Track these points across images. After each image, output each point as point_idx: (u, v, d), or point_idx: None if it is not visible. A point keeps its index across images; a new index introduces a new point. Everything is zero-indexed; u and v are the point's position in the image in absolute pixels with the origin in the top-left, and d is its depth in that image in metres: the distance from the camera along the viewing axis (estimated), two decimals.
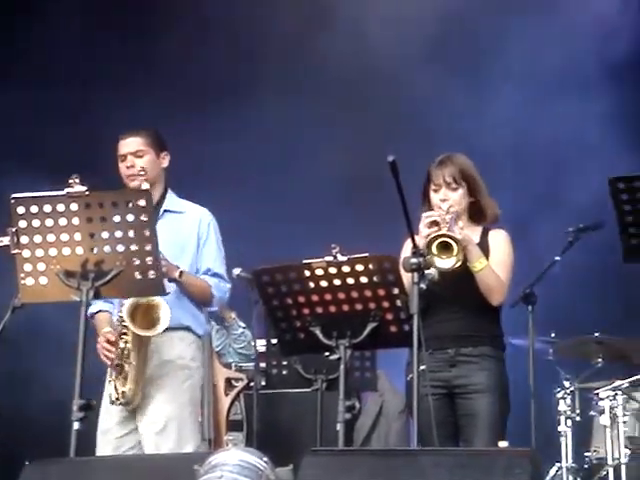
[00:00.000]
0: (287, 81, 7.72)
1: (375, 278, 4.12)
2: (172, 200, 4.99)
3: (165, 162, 4.97)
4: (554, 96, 7.36)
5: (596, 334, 6.05)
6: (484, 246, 4.72)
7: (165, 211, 4.94)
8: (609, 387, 5.85)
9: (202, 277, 4.89)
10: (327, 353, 4.26)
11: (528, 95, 7.34)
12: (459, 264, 4.46)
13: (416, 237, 4.36)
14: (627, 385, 5.85)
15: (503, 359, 4.73)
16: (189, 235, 4.92)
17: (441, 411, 4.57)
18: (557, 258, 5.79)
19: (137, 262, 4.18)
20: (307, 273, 4.17)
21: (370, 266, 4.13)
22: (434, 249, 4.42)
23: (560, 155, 7.33)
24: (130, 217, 4.15)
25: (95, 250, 4.19)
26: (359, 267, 4.13)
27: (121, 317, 4.68)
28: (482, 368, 4.63)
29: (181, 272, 4.74)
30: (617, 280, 6.51)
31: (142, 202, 4.15)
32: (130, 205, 4.15)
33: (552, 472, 5.90)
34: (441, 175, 4.73)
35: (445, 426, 4.59)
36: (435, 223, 4.57)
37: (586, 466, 5.98)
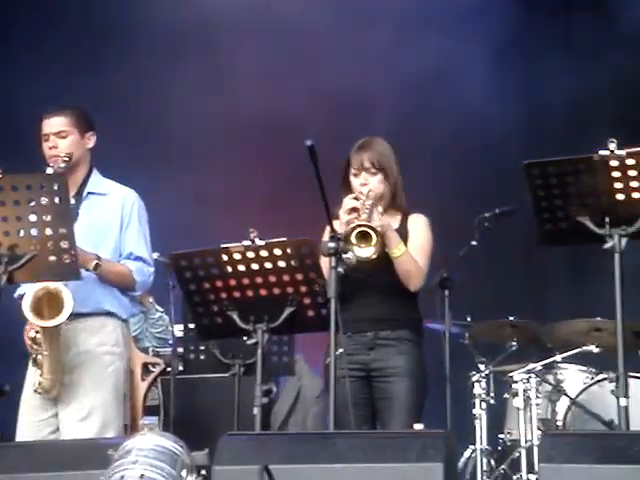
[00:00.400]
0: None
1: (293, 262, 4.14)
2: (96, 181, 4.82)
3: (90, 142, 4.84)
4: None
5: (511, 318, 6.14)
6: (403, 231, 4.76)
7: (89, 193, 4.82)
8: (523, 370, 5.94)
9: (123, 262, 4.76)
10: (245, 337, 4.26)
11: None
12: (377, 254, 4.49)
13: (336, 222, 4.39)
14: (540, 368, 5.95)
15: (421, 343, 4.77)
16: (112, 217, 4.78)
17: (358, 394, 4.60)
18: (473, 243, 5.86)
19: (51, 246, 4.12)
20: (225, 257, 4.17)
21: (288, 250, 4.14)
22: (353, 238, 4.44)
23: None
24: (44, 200, 4.09)
25: (8, 234, 4.12)
26: (277, 251, 4.14)
27: None
28: (400, 352, 4.67)
29: (97, 264, 4.59)
30: (532, 265, 6.61)
31: (56, 186, 4.08)
32: (45, 189, 4.08)
33: (466, 454, 5.99)
34: (360, 159, 4.75)
35: (362, 409, 4.62)
36: (355, 209, 4.60)
37: (500, 448, 6.07)
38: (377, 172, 4.74)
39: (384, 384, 4.67)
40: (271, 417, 6.33)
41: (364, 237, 4.48)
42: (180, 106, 7.53)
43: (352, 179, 4.77)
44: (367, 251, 4.47)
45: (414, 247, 4.72)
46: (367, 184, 4.73)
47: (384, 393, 4.67)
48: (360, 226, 4.47)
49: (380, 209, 4.68)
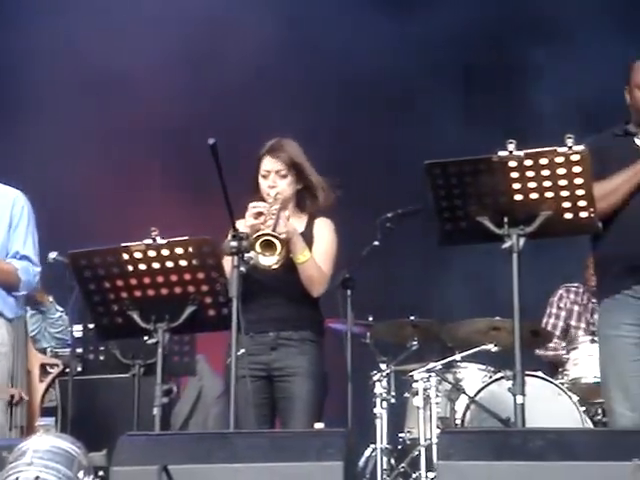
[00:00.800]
0: None
1: (194, 261, 4.11)
2: None
3: None
4: None
5: (412, 317, 6.19)
6: (309, 235, 4.76)
7: None
8: (423, 369, 6.00)
9: (9, 260, 4.77)
10: (145, 337, 4.22)
11: None
12: (280, 263, 4.49)
13: (241, 222, 4.37)
14: (440, 367, 6.02)
15: (322, 344, 4.79)
16: (0, 218, 4.79)
17: (259, 394, 4.59)
18: (376, 243, 5.89)
19: None
20: (125, 256, 4.13)
21: (190, 249, 4.11)
22: (257, 247, 4.42)
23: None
24: None
25: None
26: (178, 250, 4.12)
27: None
28: (302, 352, 4.68)
29: None
30: (432, 264, 6.68)
31: None
32: None
33: (367, 453, 6.02)
34: (270, 162, 4.74)
35: (263, 409, 4.62)
36: (260, 214, 4.59)
37: (400, 447, 6.12)
38: (287, 174, 4.74)
39: (285, 384, 4.67)
40: (171, 418, 6.27)
41: (268, 246, 4.47)
42: None
43: (261, 181, 4.76)
44: (270, 260, 4.47)
45: (319, 251, 4.73)
46: (275, 186, 4.72)
47: (285, 393, 4.67)
48: (265, 235, 4.46)
49: (287, 213, 4.69)
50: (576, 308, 6.68)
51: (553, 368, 6.32)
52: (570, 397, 5.78)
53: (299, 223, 4.78)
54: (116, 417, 5.92)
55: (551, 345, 6.49)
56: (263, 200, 4.71)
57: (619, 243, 4.26)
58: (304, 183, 4.77)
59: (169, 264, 4.12)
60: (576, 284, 6.74)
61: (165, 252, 4.12)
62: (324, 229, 4.80)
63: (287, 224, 4.62)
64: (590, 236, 4.39)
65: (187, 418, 6.50)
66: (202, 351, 6.06)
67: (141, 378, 5.46)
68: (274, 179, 4.72)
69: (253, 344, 4.60)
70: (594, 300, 6.33)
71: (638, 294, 4.23)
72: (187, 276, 4.13)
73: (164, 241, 4.11)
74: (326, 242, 4.78)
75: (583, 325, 6.59)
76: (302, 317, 4.72)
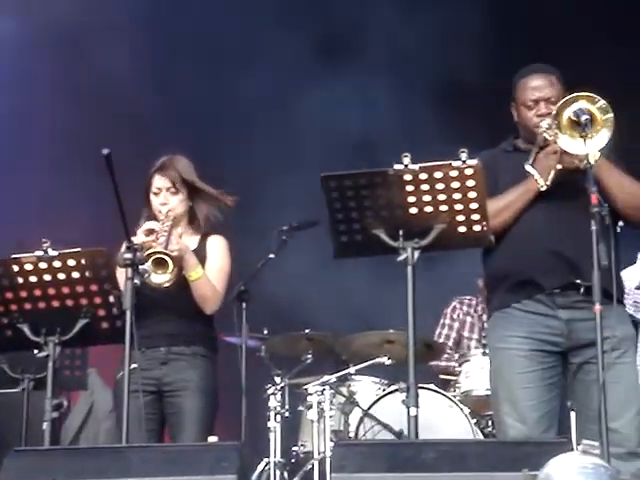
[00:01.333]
0: None
1: (87, 273, 4.07)
2: None
3: None
4: None
5: (306, 330, 6.20)
6: (202, 252, 4.75)
7: None
8: (317, 382, 6.00)
9: None
10: (36, 350, 4.14)
11: None
12: (172, 281, 4.46)
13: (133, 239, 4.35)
14: (334, 380, 6.02)
15: (215, 360, 4.77)
16: None
17: (150, 409, 4.56)
18: (271, 256, 5.89)
19: None
20: (16, 268, 4.07)
21: (82, 261, 4.07)
22: (150, 265, 4.38)
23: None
24: None
25: None
26: (71, 262, 4.08)
27: None
28: (193, 366, 4.66)
29: None
30: (327, 277, 6.69)
31: None
32: None
33: (260, 467, 5.98)
34: (161, 178, 4.72)
35: (153, 424, 4.59)
36: (152, 231, 4.56)
37: (293, 460, 6.10)
38: (177, 191, 4.72)
39: (175, 398, 4.65)
40: (62, 432, 6.17)
41: (160, 264, 4.43)
42: None
43: (152, 198, 4.73)
44: (162, 278, 4.44)
45: (212, 269, 4.72)
46: (167, 203, 4.70)
47: (174, 408, 4.65)
48: (157, 253, 4.43)
49: (179, 230, 4.66)
50: (469, 319, 6.77)
51: (445, 382, 6.38)
52: (462, 409, 5.84)
53: (192, 240, 4.77)
54: (4, 433, 5.79)
55: (444, 356, 6.56)
56: (155, 217, 4.69)
57: (509, 258, 4.32)
58: (197, 200, 4.74)
59: (61, 276, 4.08)
60: (469, 296, 6.84)
61: (57, 264, 4.07)
62: (217, 246, 4.79)
63: (179, 241, 4.61)
64: (482, 250, 4.46)
65: (78, 432, 6.41)
66: (93, 364, 5.97)
67: (31, 392, 5.36)
68: (165, 196, 4.70)
69: (145, 359, 4.56)
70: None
71: (527, 308, 4.30)
72: (80, 288, 4.08)
73: (56, 253, 4.06)
74: (219, 259, 4.77)
75: (475, 336, 6.68)
76: (194, 333, 4.70)
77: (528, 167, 4.27)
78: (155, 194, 4.73)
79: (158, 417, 4.65)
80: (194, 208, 4.77)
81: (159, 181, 4.72)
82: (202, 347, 4.69)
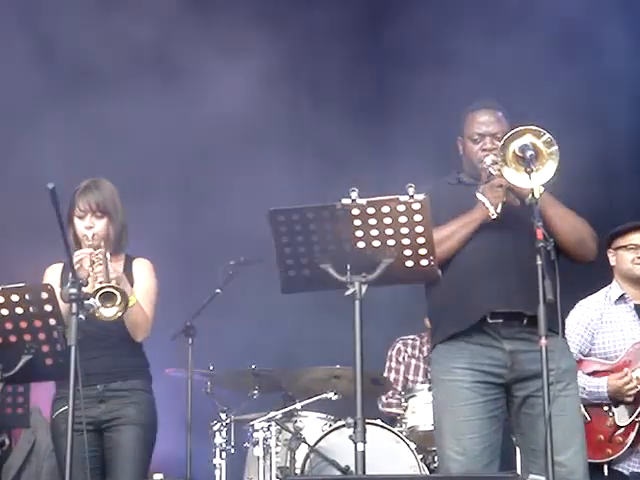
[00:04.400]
0: None
1: (32, 309, 4.01)
2: None
3: None
4: None
5: (253, 366, 6.17)
6: (129, 276, 4.68)
7: None
8: (263, 418, 5.97)
9: None
10: None
11: None
12: (122, 313, 4.39)
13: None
14: (281, 416, 6.00)
15: (151, 391, 4.73)
16: None
17: (89, 447, 4.48)
18: (218, 291, 5.87)
19: None
20: None
21: (26, 296, 4.01)
22: (97, 299, 4.32)
23: None
24: None
25: None
26: (14, 297, 4.02)
27: None
28: (131, 401, 4.62)
29: None
30: (273, 312, 6.68)
31: None
32: None
33: None
34: (86, 201, 4.66)
35: (93, 462, 4.52)
36: (87, 260, 4.50)
37: None
38: (103, 215, 4.67)
39: (112, 434, 4.61)
40: (3, 471, 6.05)
41: (108, 297, 4.37)
42: None
43: (76, 221, 4.67)
44: (112, 311, 4.37)
45: (141, 293, 4.66)
46: (92, 227, 4.64)
47: (111, 443, 4.60)
48: (105, 287, 4.38)
49: (108, 256, 4.60)
50: (414, 362, 6.77)
51: (391, 417, 6.38)
52: (408, 445, 5.84)
53: (117, 265, 4.69)
54: None
55: (393, 401, 6.57)
56: (79, 241, 4.64)
57: (453, 289, 4.34)
58: (116, 225, 4.69)
59: (4, 312, 4.02)
60: (412, 336, 6.84)
61: (0, 299, 4.00)
62: (143, 270, 4.74)
63: (115, 269, 4.55)
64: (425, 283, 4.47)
65: (19, 471, 6.28)
66: (35, 402, 5.88)
67: None
68: (91, 220, 4.65)
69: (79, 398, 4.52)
70: None
71: (471, 339, 4.31)
72: (23, 324, 4.03)
73: None
74: (146, 284, 4.71)
75: (420, 379, 6.69)
76: (130, 366, 4.66)
77: (479, 195, 4.31)
78: (80, 217, 4.66)
79: (99, 454, 4.59)
80: (121, 232, 4.72)
81: (84, 204, 4.65)
82: (139, 380, 4.66)
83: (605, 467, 5.17)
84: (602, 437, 5.16)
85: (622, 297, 5.39)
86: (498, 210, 4.29)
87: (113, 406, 4.59)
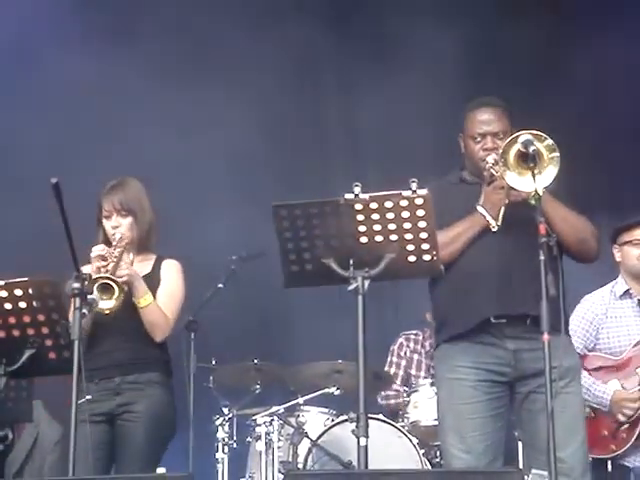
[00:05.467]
0: None
1: (35, 303, 4.02)
2: None
3: None
4: None
5: (255, 361, 6.18)
6: (156, 277, 4.72)
7: None
8: (266, 413, 5.98)
9: None
10: None
11: None
12: (118, 307, 4.42)
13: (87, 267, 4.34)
14: (283, 411, 6.01)
15: (170, 385, 4.73)
16: None
17: (101, 440, 4.52)
18: (220, 285, 5.87)
19: None
20: None
21: (30, 291, 4.02)
22: (95, 290, 4.34)
23: None
24: None
25: None
26: (18, 292, 4.02)
27: None
28: (147, 395, 4.61)
29: None
30: (275, 307, 6.69)
31: None
32: None
33: None
34: (110, 201, 4.69)
35: (103, 455, 4.54)
36: (102, 257, 4.53)
37: None
38: (128, 214, 4.69)
39: (124, 428, 4.60)
40: (6, 465, 6.07)
41: (106, 289, 4.40)
42: None
43: (104, 221, 4.71)
44: (108, 304, 4.40)
45: (165, 294, 4.69)
46: (119, 226, 4.67)
47: (123, 436, 4.60)
48: (102, 278, 4.40)
49: (131, 256, 4.64)
50: (416, 357, 6.77)
51: (393, 412, 6.39)
52: (410, 439, 5.85)
53: (145, 265, 4.74)
54: None
55: (392, 393, 6.57)
56: (109, 241, 4.66)
57: (457, 289, 4.35)
58: (143, 225, 4.72)
59: (7, 306, 4.02)
60: (415, 331, 6.84)
61: (3, 294, 4.01)
62: (170, 272, 4.76)
63: (129, 267, 4.57)
64: (429, 281, 4.48)
65: (22, 465, 6.30)
66: (38, 396, 5.89)
67: None
68: (117, 219, 4.68)
69: (98, 390, 4.55)
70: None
71: (475, 338, 4.32)
72: (27, 318, 4.03)
73: (2, 282, 4.01)
74: (171, 285, 4.73)
75: (423, 374, 6.69)
76: (148, 358, 4.66)
77: (480, 209, 4.32)
78: (106, 217, 4.70)
79: (110, 447, 4.59)
80: (148, 231, 4.74)
81: (108, 204, 4.69)
82: (156, 373, 4.65)
83: (609, 462, 5.17)
84: (606, 433, 5.16)
85: (627, 292, 5.39)
86: (499, 222, 4.30)
87: (128, 398, 4.59)
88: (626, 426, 5.14)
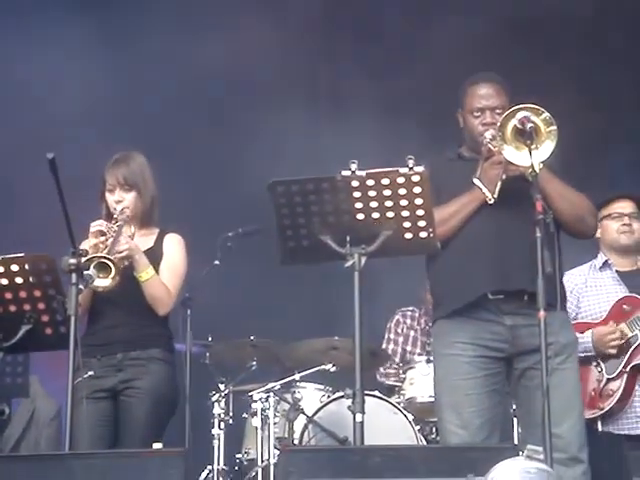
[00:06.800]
0: None
1: (31, 279, 4.03)
2: None
3: None
4: None
5: (251, 337, 6.18)
6: (158, 251, 4.72)
7: None
8: (262, 389, 5.99)
9: None
10: None
11: None
12: (114, 286, 4.40)
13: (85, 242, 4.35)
14: (279, 387, 6.02)
15: (172, 361, 4.75)
16: None
17: (102, 416, 4.55)
18: (216, 262, 5.87)
19: None
20: None
21: (26, 266, 4.04)
22: (92, 269, 4.33)
23: None
24: None
25: None
26: (14, 267, 4.05)
27: None
28: (148, 371, 4.63)
29: None
30: (271, 284, 6.68)
31: None
32: None
33: (203, 475, 5.95)
34: (114, 175, 4.69)
35: (104, 430, 4.57)
36: (101, 233, 4.53)
37: (237, 468, 6.09)
38: (131, 189, 4.69)
39: (126, 403, 4.62)
40: (2, 441, 6.08)
41: (104, 268, 4.39)
42: None
43: (107, 195, 4.71)
44: (104, 282, 4.39)
45: (167, 268, 4.70)
46: (122, 200, 4.67)
47: (124, 412, 4.61)
48: (98, 257, 4.39)
49: (132, 229, 4.63)
50: (412, 333, 6.78)
51: (389, 388, 6.40)
52: (406, 416, 5.87)
53: (148, 239, 4.74)
54: None
55: (391, 371, 6.58)
56: (111, 214, 4.65)
57: (455, 265, 4.36)
58: (146, 200, 4.72)
59: (4, 281, 4.04)
60: (411, 308, 6.84)
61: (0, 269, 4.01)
62: (173, 245, 4.77)
63: (128, 241, 4.57)
64: (426, 258, 4.48)
65: (18, 440, 6.31)
66: (34, 371, 5.89)
67: None
68: (120, 193, 4.67)
69: (100, 366, 4.56)
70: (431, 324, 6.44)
71: (472, 314, 4.33)
72: (23, 294, 4.05)
73: None
74: (174, 259, 4.74)
75: (418, 350, 6.69)
76: (150, 335, 4.67)
77: (476, 181, 4.31)
78: (110, 191, 4.70)
79: (111, 423, 4.61)
80: (151, 205, 4.73)
81: (112, 177, 4.69)
82: (159, 349, 4.66)
83: (599, 424, 5.18)
84: (593, 393, 5.18)
85: (606, 263, 5.41)
86: (495, 195, 4.29)
87: (130, 374, 4.60)
88: (610, 383, 5.14)
